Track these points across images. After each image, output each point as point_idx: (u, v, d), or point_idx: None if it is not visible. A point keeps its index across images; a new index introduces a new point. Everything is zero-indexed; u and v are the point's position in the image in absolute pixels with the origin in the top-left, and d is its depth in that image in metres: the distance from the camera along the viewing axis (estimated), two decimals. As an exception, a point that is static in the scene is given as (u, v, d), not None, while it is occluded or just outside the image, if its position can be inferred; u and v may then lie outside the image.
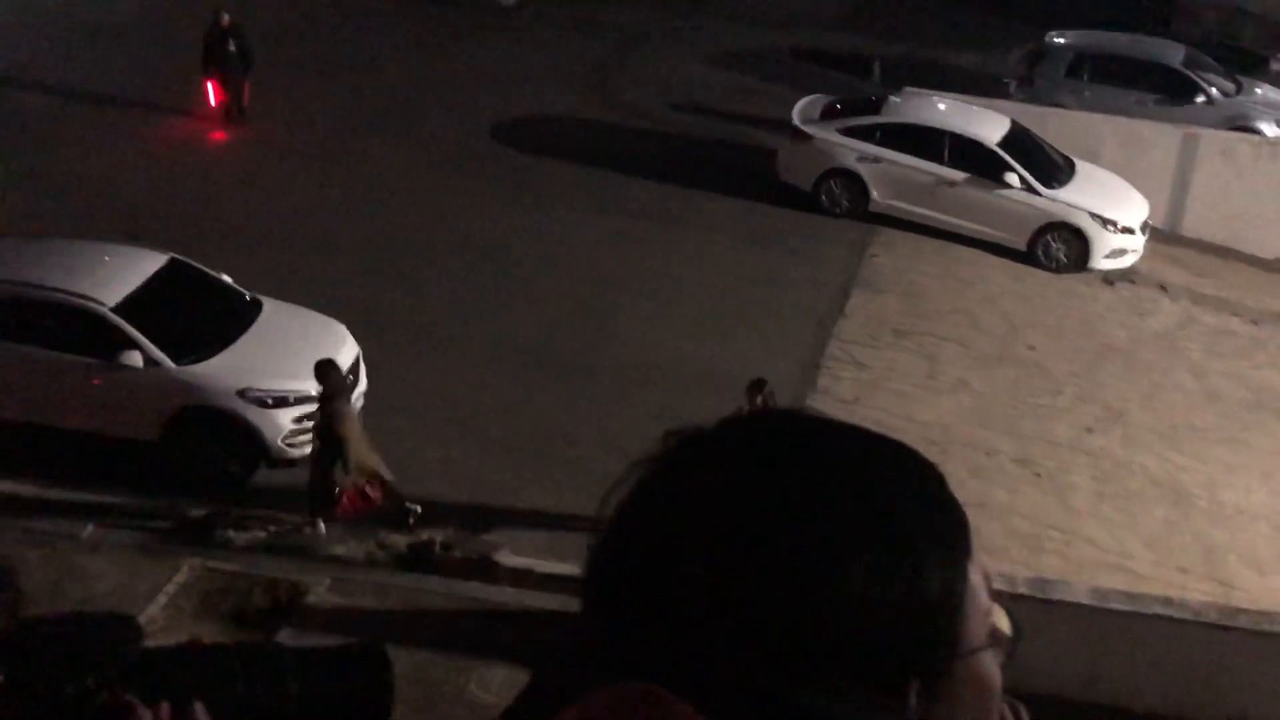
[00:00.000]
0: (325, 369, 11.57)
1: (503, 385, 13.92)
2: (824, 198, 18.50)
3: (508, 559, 11.54)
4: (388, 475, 11.58)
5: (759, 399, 11.03)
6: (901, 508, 1.07)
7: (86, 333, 12.04)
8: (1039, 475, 13.70)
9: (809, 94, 19.85)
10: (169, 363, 12.07)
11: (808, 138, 18.53)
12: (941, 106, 19.08)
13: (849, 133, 18.51)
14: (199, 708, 1.19)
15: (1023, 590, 10.11)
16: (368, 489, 11.44)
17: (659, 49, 24.66)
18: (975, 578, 1.11)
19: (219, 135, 19.66)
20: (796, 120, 18.76)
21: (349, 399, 11.96)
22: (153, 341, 12.05)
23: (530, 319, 15.21)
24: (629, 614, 1.04)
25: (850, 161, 18.36)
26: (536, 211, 17.83)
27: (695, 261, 16.94)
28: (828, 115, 18.91)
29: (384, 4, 25.98)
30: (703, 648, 1.01)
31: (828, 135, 18.49)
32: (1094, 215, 17.71)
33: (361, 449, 11.45)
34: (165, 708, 1.17)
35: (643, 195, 18.55)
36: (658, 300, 15.86)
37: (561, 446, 13.04)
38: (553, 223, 17.58)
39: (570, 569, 11.35)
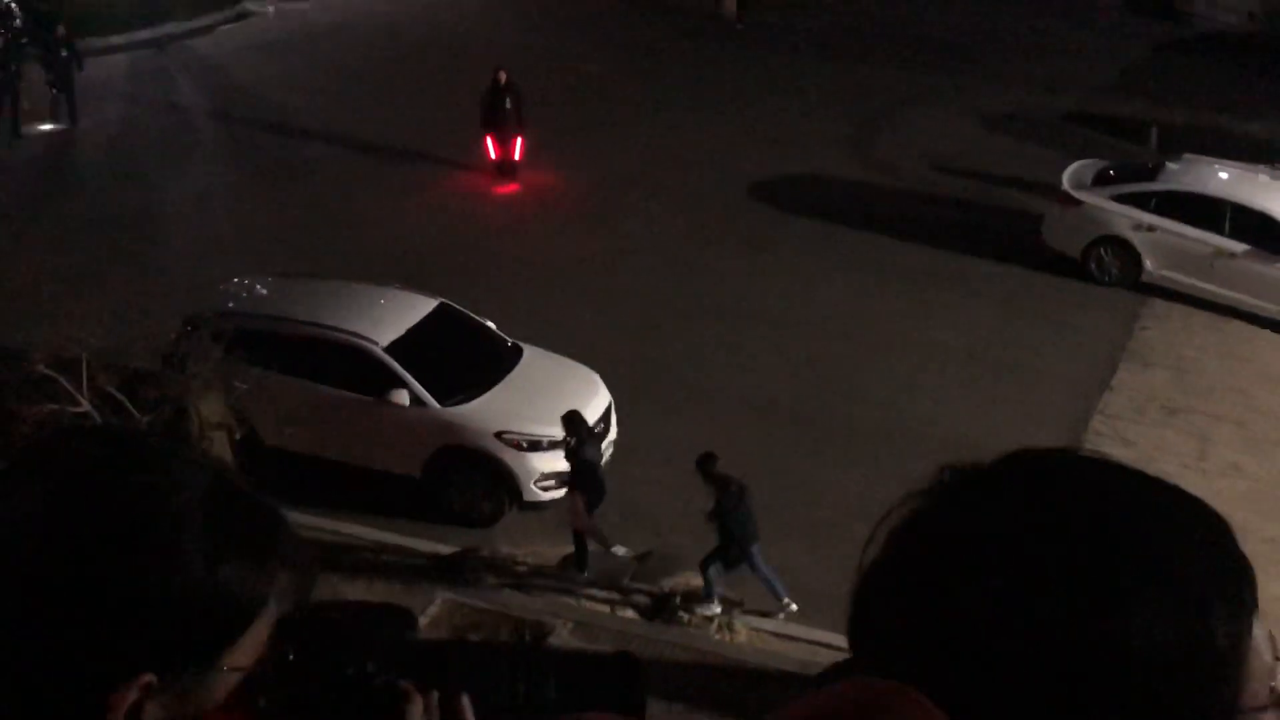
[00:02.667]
0: (571, 419, 11.87)
1: (748, 441, 13.90)
2: (1093, 265, 17.85)
3: (747, 617, 11.46)
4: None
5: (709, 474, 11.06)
6: (1189, 555, 1.02)
7: (360, 370, 12.68)
8: (1321, 569, 12.74)
9: (1080, 158, 19.24)
10: (434, 402, 12.57)
11: (1078, 203, 17.94)
12: (1224, 175, 18.17)
13: (1123, 199, 17.83)
14: (465, 701, 1.23)
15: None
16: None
17: (924, 109, 24.41)
18: (1259, 634, 1.06)
19: (493, 188, 20.48)
20: (1067, 185, 18.19)
21: (597, 447, 12.20)
22: (420, 381, 12.59)
23: (781, 376, 15.17)
24: (899, 646, 1.02)
25: (1123, 229, 17.66)
26: (792, 270, 17.84)
27: (953, 325, 16.58)
28: (1100, 181, 18.27)
29: (653, 64, 26.66)
30: (974, 681, 0.98)
31: (1100, 201, 17.85)
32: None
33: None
34: (435, 696, 1.22)
35: (902, 257, 18.31)
36: (912, 363, 15.58)
37: (805, 507, 12.91)
38: (808, 281, 17.54)
39: (808, 631, 11.22)
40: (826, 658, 10.60)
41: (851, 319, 16.58)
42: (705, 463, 11.62)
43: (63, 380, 11.38)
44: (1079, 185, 18.20)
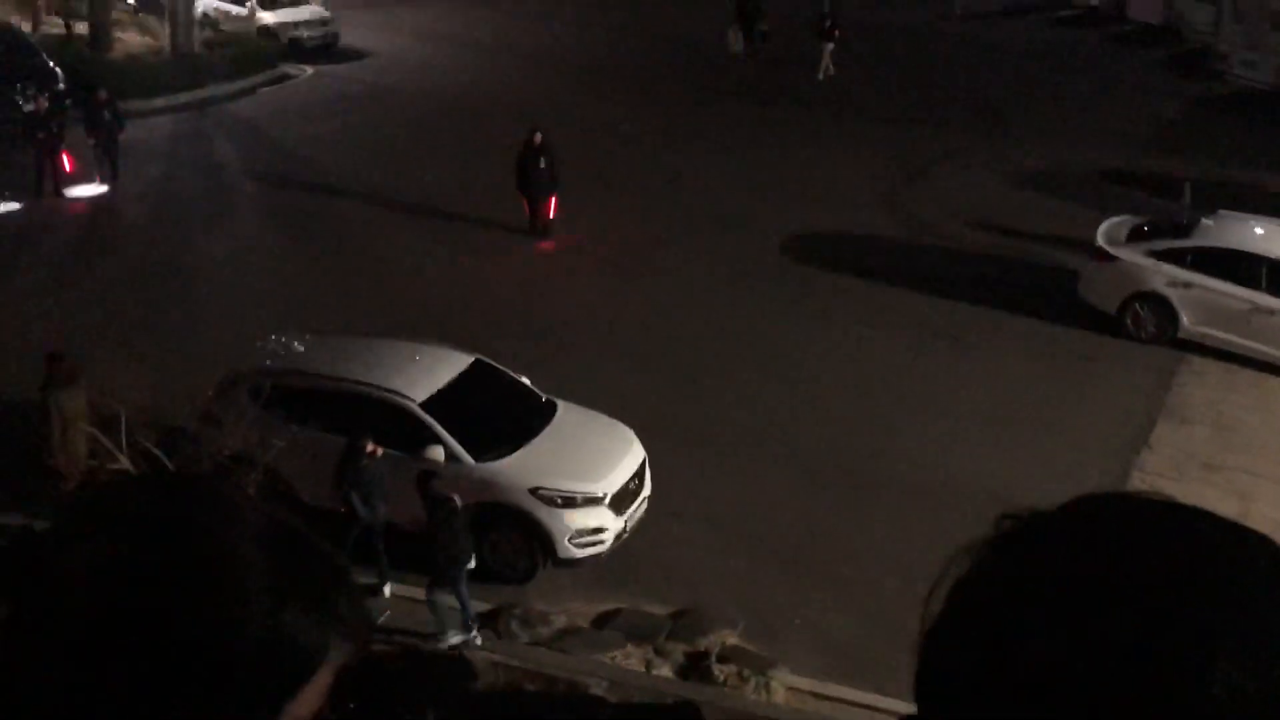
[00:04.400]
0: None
1: (785, 497, 13.85)
2: (1129, 322, 17.75)
3: (784, 677, 11.35)
4: None
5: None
6: (1269, 598, 0.98)
7: (395, 426, 12.71)
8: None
9: (1114, 215, 19.21)
10: (469, 459, 12.59)
11: (1113, 259, 17.88)
12: (1259, 230, 18.06)
13: (1158, 255, 17.75)
14: None
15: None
16: None
17: (958, 167, 24.49)
18: None
19: (528, 246, 20.61)
20: (1102, 241, 18.15)
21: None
22: (455, 437, 12.62)
23: (816, 432, 15.12)
24: (966, 703, 0.99)
25: (1159, 285, 17.58)
26: (827, 326, 17.84)
27: (989, 381, 16.50)
28: (1135, 237, 18.22)
29: (688, 124, 26.87)
30: None
31: (1135, 258, 17.79)
32: None
33: None
34: None
35: (936, 313, 18.28)
36: (947, 419, 15.50)
37: (843, 564, 12.82)
38: (843, 337, 17.53)
39: (850, 693, 11.10)
40: (860, 717, 10.49)
41: (886, 375, 16.54)
42: (423, 480, 11.74)
43: (102, 437, 11.48)
44: (1114, 241, 18.15)
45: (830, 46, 31.16)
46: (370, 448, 11.96)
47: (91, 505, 1.19)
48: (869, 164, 24.48)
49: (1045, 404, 16.01)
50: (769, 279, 19.46)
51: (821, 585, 12.53)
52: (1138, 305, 17.70)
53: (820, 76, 30.90)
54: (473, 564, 11.69)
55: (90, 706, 1.09)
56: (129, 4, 35.18)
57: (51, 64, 28.26)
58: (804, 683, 11.36)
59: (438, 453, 12.53)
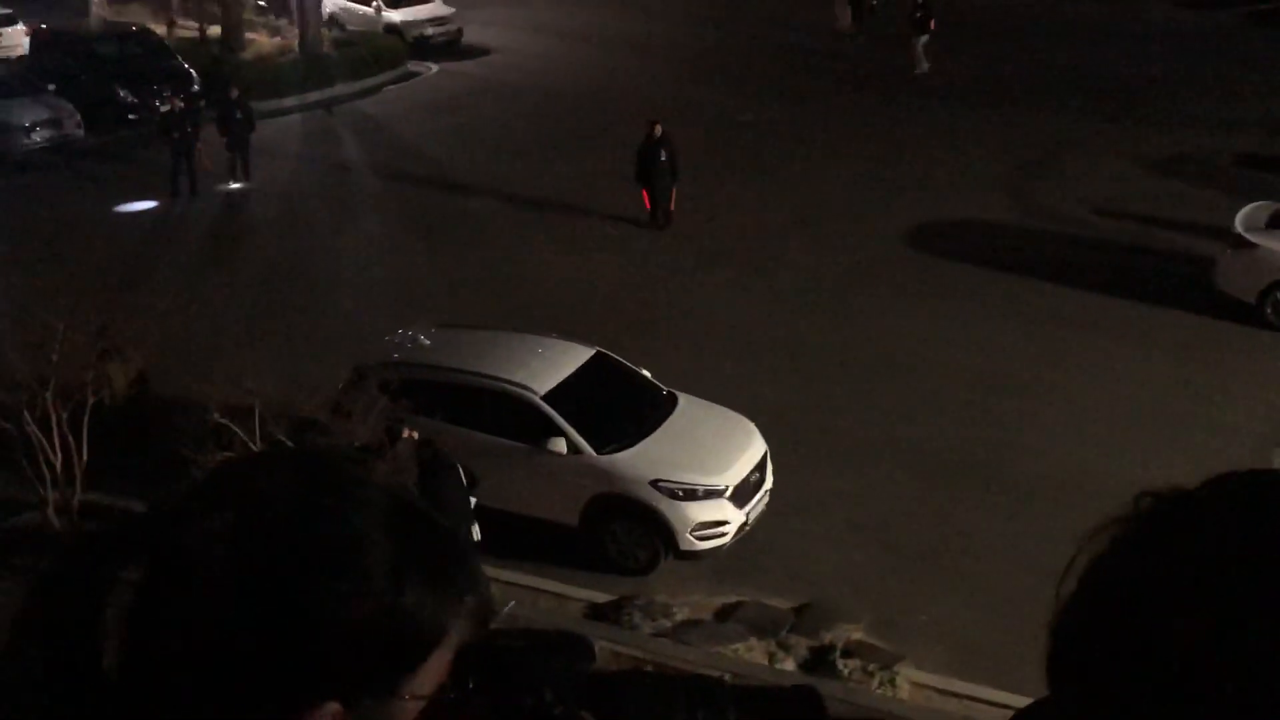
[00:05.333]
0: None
1: (908, 491, 13.68)
2: (1269, 311, 17.15)
3: (910, 672, 11.22)
4: None
5: None
6: None
7: (519, 418, 12.87)
8: None
9: (1252, 201, 18.56)
10: (590, 451, 12.68)
11: (1253, 246, 17.28)
12: None
13: (1300, 242, 17.13)
14: None
15: None
16: None
17: (1084, 154, 23.90)
18: None
19: (649, 238, 20.67)
20: (1240, 228, 17.55)
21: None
22: (577, 429, 12.72)
23: (939, 425, 14.91)
24: (1102, 685, 0.98)
25: (1300, 273, 16.96)
26: (947, 317, 17.57)
27: (1118, 373, 16.08)
28: (1276, 223, 17.59)
29: (807, 113, 26.67)
30: (1190, 713, 0.93)
31: (1276, 245, 17.18)
32: None
33: None
34: None
35: (1063, 302, 17.88)
36: (1073, 412, 15.15)
37: (969, 559, 12.63)
38: (964, 328, 17.24)
39: (971, 687, 10.93)
40: (987, 714, 10.32)
41: (1011, 366, 16.22)
42: (424, 445, 11.67)
43: (236, 429, 11.79)
44: (1252, 228, 17.54)
45: (924, 39, 29.35)
46: (406, 433, 11.97)
47: (224, 479, 1.22)
48: (991, 151, 24.03)
49: (1180, 396, 15.55)
50: (889, 270, 19.23)
51: (946, 580, 12.35)
52: (1278, 294, 17.10)
53: (916, 71, 29.32)
54: (477, 535, 11.59)
55: (214, 672, 1.11)
56: (260, 6, 36.09)
57: (186, 66, 29.17)
58: (930, 678, 11.22)
59: (559, 444, 12.65)
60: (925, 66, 29.33)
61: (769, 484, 13.11)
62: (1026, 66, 29.96)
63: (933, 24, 29.27)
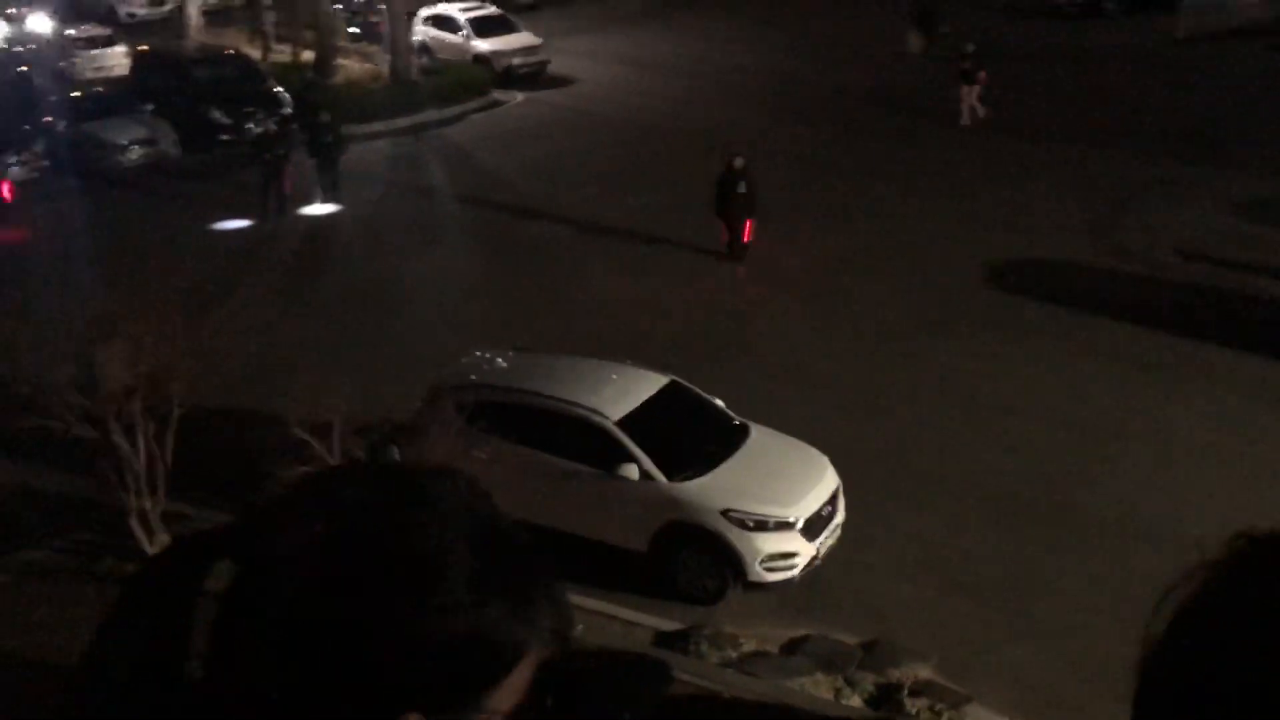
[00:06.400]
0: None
1: (980, 531, 13.55)
2: (1358, 360, 16.77)
3: (979, 713, 11.10)
4: None
5: None
6: None
7: (591, 443, 12.95)
8: None
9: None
10: (662, 478, 12.73)
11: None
12: None
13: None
14: None
15: None
16: None
17: (1169, 196, 23.55)
18: None
19: (725, 270, 20.72)
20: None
21: None
22: (649, 456, 12.77)
23: (1012, 465, 14.75)
24: None
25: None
26: (1028, 357, 17.39)
27: (1201, 418, 15.80)
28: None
29: (886, 150, 26.61)
30: None
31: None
32: None
33: None
34: None
35: (1146, 345, 17.61)
36: (1156, 456, 14.90)
37: (1040, 601, 12.47)
38: (1045, 369, 17.06)
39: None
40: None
41: (1087, 409, 16.00)
42: (379, 444, 12.25)
43: (315, 444, 12.00)
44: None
45: (975, 90, 27.94)
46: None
47: (312, 489, 1.22)
48: (1072, 190, 23.78)
49: (1263, 444, 15.23)
50: (968, 307, 19.09)
51: (1019, 622, 12.20)
52: (1369, 342, 16.74)
53: (961, 123, 27.98)
54: None
55: (297, 680, 1.12)
56: (352, 33, 36.79)
57: (279, 90, 29.81)
58: (996, 717, 11.09)
59: (631, 471, 12.71)
60: (976, 114, 28.13)
61: (841, 518, 13.06)
62: (1122, 106, 29.63)
63: (982, 75, 28.00)
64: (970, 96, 28.23)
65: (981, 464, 14.78)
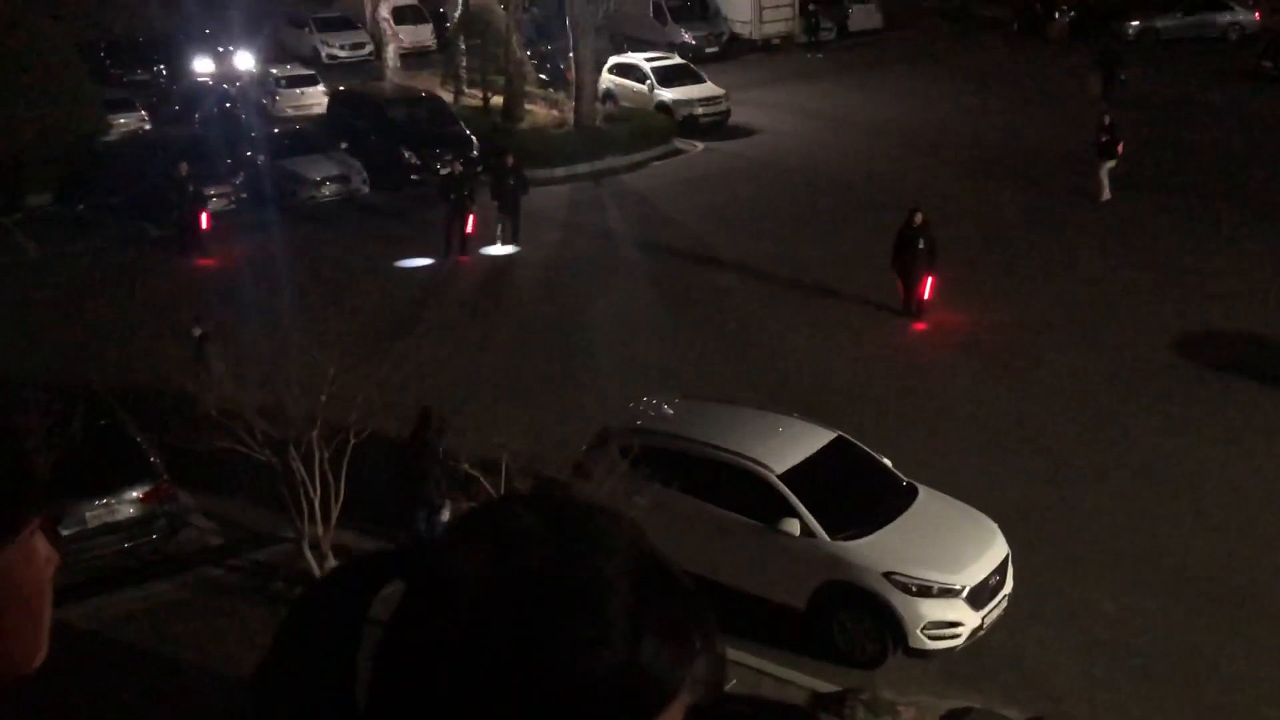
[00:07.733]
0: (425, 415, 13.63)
1: (1157, 610, 12.96)
2: None
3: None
4: None
5: None
6: None
7: (754, 496, 12.84)
8: None
9: None
10: (824, 535, 12.53)
11: None
12: None
13: None
14: None
15: None
16: None
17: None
18: None
19: (901, 326, 20.42)
20: None
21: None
22: (812, 512, 12.60)
23: (1196, 544, 14.09)
24: None
25: None
26: (1216, 431, 16.63)
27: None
28: None
29: (1074, 211, 25.91)
30: None
31: None
32: None
33: None
34: None
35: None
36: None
37: (1217, 686, 11.85)
38: (1234, 444, 16.28)
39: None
40: None
41: (1278, 492, 15.22)
42: (422, 424, 13.41)
43: (483, 480, 12.20)
44: None
45: (1110, 165, 25.98)
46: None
47: (481, 516, 1.24)
48: (1267, 261, 22.72)
49: None
50: (1155, 376, 18.38)
51: (1190, 706, 11.62)
52: None
53: (1101, 199, 26.01)
54: (445, 515, 13.12)
55: (460, 703, 1.13)
56: (541, 79, 37.64)
57: (467, 132, 30.65)
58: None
59: (793, 526, 12.55)
60: (1109, 194, 26.27)
61: (1009, 588, 12.65)
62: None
63: (1120, 148, 26.22)
64: (1103, 171, 26.21)
65: (1163, 541, 14.17)
